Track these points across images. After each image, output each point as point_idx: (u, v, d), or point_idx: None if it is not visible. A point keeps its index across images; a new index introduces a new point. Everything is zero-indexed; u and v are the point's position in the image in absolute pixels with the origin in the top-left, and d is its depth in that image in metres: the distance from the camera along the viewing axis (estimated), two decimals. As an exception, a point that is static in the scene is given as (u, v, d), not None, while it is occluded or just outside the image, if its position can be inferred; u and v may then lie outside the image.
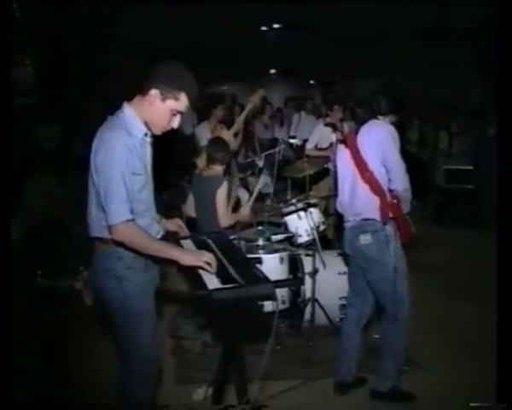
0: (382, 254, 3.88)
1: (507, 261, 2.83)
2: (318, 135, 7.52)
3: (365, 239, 3.90)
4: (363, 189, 3.90)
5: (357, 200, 3.97)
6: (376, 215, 3.87)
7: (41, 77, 9.64)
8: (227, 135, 6.68)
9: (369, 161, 3.87)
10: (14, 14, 8.16)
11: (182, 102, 2.87)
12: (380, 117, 4.01)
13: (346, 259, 4.54)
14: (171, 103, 2.86)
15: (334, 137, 6.90)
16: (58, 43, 10.01)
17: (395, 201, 3.91)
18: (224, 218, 5.08)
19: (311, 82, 17.54)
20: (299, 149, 9.57)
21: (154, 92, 2.84)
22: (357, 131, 4.02)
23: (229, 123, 7.39)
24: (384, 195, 3.87)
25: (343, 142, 4.20)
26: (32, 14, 7.97)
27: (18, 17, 8.25)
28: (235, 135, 7.05)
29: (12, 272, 2.71)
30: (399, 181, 3.87)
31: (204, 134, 7.01)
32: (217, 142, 5.47)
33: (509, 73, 2.94)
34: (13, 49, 8.27)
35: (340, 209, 4.23)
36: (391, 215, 3.88)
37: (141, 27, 9.83)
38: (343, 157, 4.11)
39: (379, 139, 3.87)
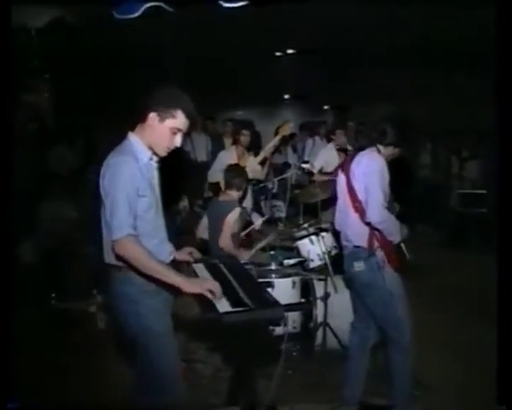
0: (375, 280, 3.87)
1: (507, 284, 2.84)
2: (323, 159, 7.48)
3: (359, 266, 3.91)
4: (354, 217, 3.90)
5: (347, 227, 4.00)
6: (364, 243, 3.88)
7: (57, 102, 9.77)
8: (253, 162, 6.67)
9: (358, 191, 3.86)
10: (31, 40, 8.32)
11: (179, 119, 3.02)
12: (380, 146, 3.92)
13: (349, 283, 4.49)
14: (169, 122, 3.01)
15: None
16: (74, 69, 10.14)
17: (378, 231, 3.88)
18: (225, 240, 5.14)
19: (325, 107, 17.60)
20: (312, 174, 9.56)
21: (152, 115, 3.01)
22: (353, 158, 3.98)
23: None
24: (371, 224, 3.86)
25: (341, 166, 4.16)
26: (49, 41, 8.11)
27: (36, 43, 8.40)
28: (262, 163, 6.94)
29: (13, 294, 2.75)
30: (373, 214, 3.78)
31: (231, 159, 6.61)
32: (234, 168, 5.55)
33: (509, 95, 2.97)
34: (30, 74, 8.43)
35: (338, 228, 4.23)
36: (377, 245, 3.86)
37: (155, 54, 9.93)
38: (340, 182, 4.08)
39: (366, 171, 3.82)
